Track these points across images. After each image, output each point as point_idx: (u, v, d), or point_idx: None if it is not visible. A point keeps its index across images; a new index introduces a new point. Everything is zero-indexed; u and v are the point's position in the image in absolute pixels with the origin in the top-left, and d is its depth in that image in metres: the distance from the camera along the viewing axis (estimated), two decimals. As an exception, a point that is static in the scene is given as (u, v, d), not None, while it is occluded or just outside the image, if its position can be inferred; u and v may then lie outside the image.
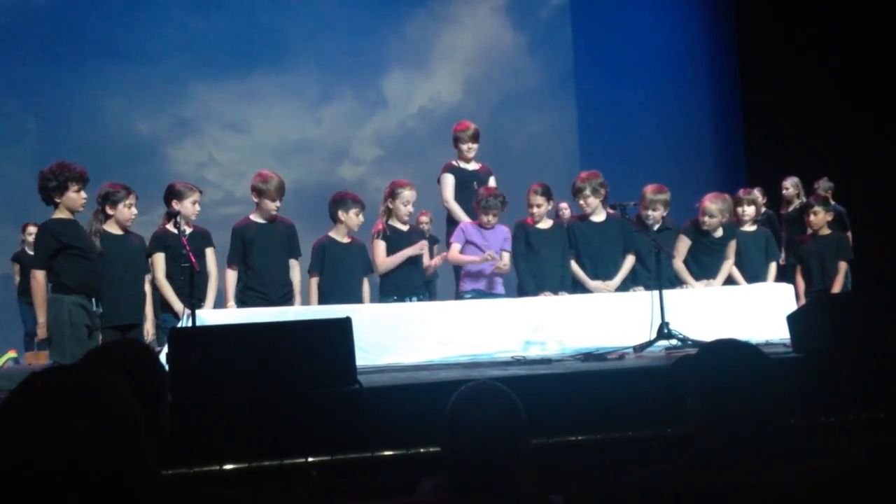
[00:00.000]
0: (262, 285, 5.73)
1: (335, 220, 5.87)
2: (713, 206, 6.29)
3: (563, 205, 8.53)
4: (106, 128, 10.16)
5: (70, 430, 1.26)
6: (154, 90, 10.32)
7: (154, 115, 10.41)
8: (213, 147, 10.64)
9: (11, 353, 8.34)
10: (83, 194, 5.08)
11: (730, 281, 6.39)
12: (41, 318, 4.97)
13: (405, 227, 6.05)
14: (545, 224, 6.20)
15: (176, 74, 10.42)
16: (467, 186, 6.39)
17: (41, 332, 5.01)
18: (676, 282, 6.30)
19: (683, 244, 6.39)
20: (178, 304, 5.55)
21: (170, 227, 5.59)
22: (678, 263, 6.32)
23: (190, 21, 10.50)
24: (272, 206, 5.75)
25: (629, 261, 6.19)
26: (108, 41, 10.16)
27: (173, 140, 10.55)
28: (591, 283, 6.09)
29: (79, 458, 1.25)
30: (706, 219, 6.30)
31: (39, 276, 4.97)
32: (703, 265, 6.38)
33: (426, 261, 5.98)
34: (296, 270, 5.89)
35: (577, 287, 6.09)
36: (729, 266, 6.39)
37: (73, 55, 10.05)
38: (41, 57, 10.00)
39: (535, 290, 5.92)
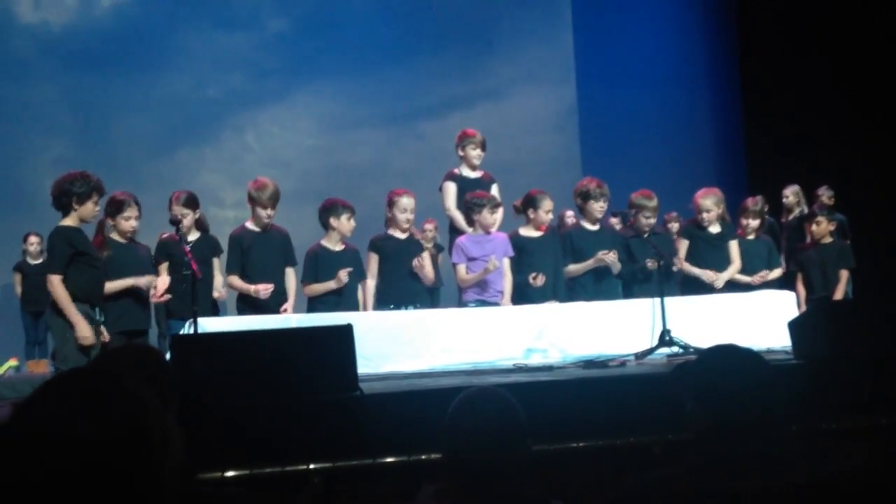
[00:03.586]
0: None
1: (327, 227, 5.86)
2: (707, 201, 6.39)
3: (569, 213, 8.53)
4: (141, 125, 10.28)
5: (96, 432, 1.27)
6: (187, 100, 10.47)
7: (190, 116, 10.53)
8: (254, 139, 10.78)
9: (13, 362, 8.36)
10: (98, 206, 5.10)
11: (733, 287, 6.38)
12: (76, 320, 4.80)
13: (403, 236, 6.03)
14: (537, 233, 6.21)
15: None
16: (470, 194, 6.39)
17: (85, 334, 4.82)
18: (685, 285, 6.32)
19: (683, 246, 6.47)
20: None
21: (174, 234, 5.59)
22: (684, 265, 6.35)
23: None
24: (264, 213, 5.75)
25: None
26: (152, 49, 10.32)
27: (207, 139, 10.66)
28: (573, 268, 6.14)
29: (103, 460, 1.27)
30: (704, 215, 6.38)
31: (56, 281, 4.83)
32: (706, 262, 6.39)
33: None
34: (291, 278, 5.89)
35: (576, 295, 6.09)
36: (735, 269, 6.39)
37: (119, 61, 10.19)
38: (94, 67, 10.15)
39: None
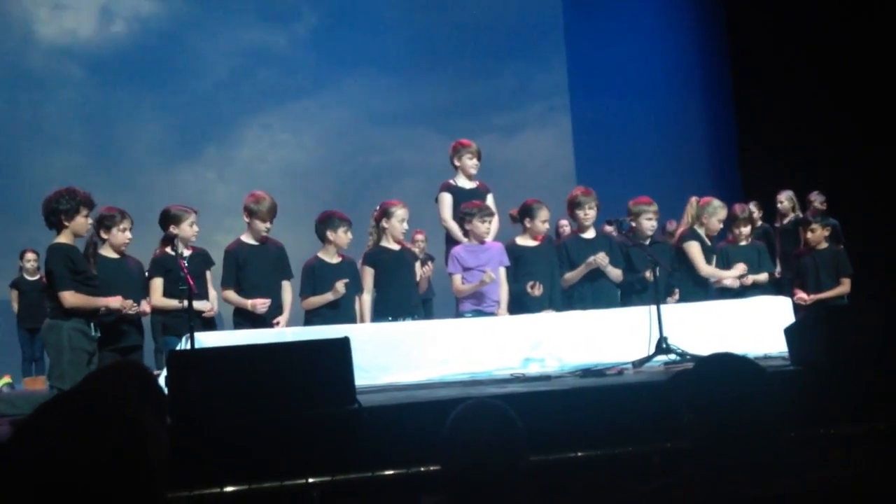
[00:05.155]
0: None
1: (324, 240, 5.85)
2: (724, 211, 6.43)
3: (563, 222, 8.55)
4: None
5: (97, 456, 1.27)
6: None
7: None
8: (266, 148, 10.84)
9: (7, 379, 8.35)
10: (89, 219, 5.10)
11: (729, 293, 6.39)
12: (113, 303, 5.07)
13: (397, 247, 6.02)
14: (533, 242, 6.21)
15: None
16: (466, 205, 6.39)
17: (115, 305, 5.10)
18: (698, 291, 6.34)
19: (697, 249, 6.42)
20: (176, 302, 5.42)
21: (169, 250, 5.58)
22: (708, 269, 6.37)
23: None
24: (262, 226, 5.74)
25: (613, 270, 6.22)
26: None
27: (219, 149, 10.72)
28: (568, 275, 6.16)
29: (103, 483, 1.27)
30: (721, 225, 6.43)
31: (69, 295, 4.90)
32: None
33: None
34: (287, 291, 5.87)
35: (574, 303, 6.09)
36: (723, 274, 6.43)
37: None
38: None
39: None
